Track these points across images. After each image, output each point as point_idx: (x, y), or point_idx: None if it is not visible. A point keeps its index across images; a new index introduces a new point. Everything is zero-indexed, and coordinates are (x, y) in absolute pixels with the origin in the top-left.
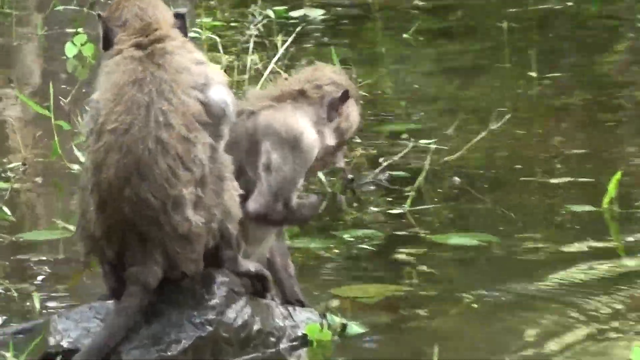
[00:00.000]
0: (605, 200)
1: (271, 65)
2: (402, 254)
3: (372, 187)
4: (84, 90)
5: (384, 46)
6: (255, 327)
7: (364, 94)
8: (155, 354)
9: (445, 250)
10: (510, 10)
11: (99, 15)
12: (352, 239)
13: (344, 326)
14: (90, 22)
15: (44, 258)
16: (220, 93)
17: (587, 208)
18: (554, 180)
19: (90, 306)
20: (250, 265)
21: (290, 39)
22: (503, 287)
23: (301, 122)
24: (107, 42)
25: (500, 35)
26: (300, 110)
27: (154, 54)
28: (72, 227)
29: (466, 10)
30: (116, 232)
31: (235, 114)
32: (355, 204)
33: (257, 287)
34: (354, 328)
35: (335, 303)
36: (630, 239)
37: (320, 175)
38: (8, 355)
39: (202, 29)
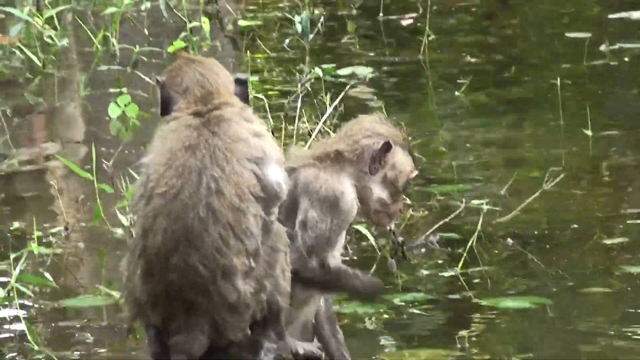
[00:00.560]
0: None
1: (319, 125)
2: (453, 318)
3: (423, 250)
4: (126, 152)
5: (435, 104)
6: None
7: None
8: None
9: (498, 313)
10: (565, 65)
11: (157, 80)
12: (402, 303)
13: None
14: (134, 83)
15: (87, 325)
16: (276, 174)
17: None
18: (610, 241)
19: None
20: (300, 347)
21: (339, 98)
22: (557, 351)
23: (341, 181)
24: (165, 108)
25: (554, 91)
26: (340, 168)
27: (211, 121)
28: (115, 293)
29: (519, 66)
30: (162, 299)
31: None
32: (405, 267)
33: None
34: None
35: None
36: None
37: (371, 238)
38: None
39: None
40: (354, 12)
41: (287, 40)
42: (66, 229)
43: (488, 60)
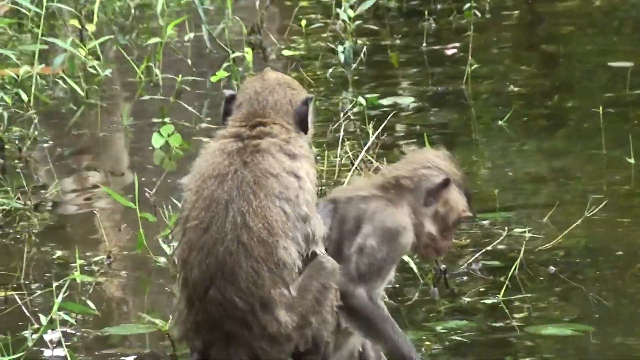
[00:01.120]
0: None
1: (362, 154)
2: (495, 345)
3: (465, 277)
4: (169, 181)
5: (477, 132)
6: None
7: None
8: None
9: (540, 340)
10: (607, 94)
11: (225, 93)
12: (444, 331)
13: None
14: (177, 113)
15: (130, 352)
16: (317, 226)
17: None
18: None
19: None
20: None
21: (381, 127)
22: None
23: (404, 216)
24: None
25: (597, 120)
26: (401, 199)
27: (247, 149)
28: (157, 321)
29: (562, 95)
30: (203, 328)
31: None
32: (447, 295)
33: None
34: None
35: None
36: None
37: (413, 265)
38: None
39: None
40: (397, 41)
41: (330, 70)
42: (109, 257)
43: (531, 89)
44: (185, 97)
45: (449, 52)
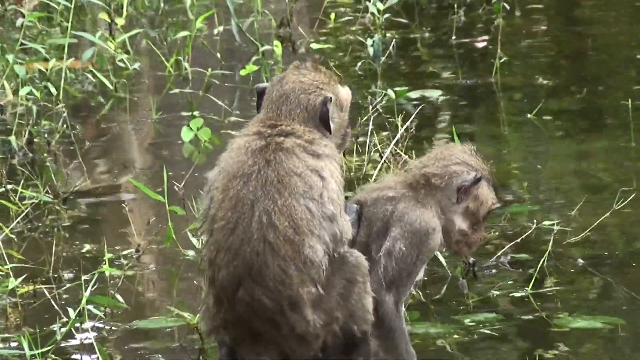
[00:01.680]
0: None
1: (390, 147)
2: (524, 338)
3: (494, 270)
4: (197, 175)
5: (506, 126)
6: None
7: None
8: None
9: (569, 333)
10: (637, 87)
11: (257, 87)
12: (473, 324)
13: None
14: (206, 106)
15: (158, 346)
16: (344, 226)
17: None
18: None
19: None
20: None
21: (410, 120)
22: None
23: (434, 217)
24: None
25: (626, 112)
26: (431, 197)
27: (269, 147)
28: (186, 315)
29: (591, 88)
30: (232, 325)
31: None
32: (476, 287)
33: None
34: None
35: None
36: None
37: (442, 259)
38: None
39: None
40: (427, 35)
41: (359, 63)
42: (137, 251)
43: (560, 82)
44: (214, 90)
45: (479, 44)
